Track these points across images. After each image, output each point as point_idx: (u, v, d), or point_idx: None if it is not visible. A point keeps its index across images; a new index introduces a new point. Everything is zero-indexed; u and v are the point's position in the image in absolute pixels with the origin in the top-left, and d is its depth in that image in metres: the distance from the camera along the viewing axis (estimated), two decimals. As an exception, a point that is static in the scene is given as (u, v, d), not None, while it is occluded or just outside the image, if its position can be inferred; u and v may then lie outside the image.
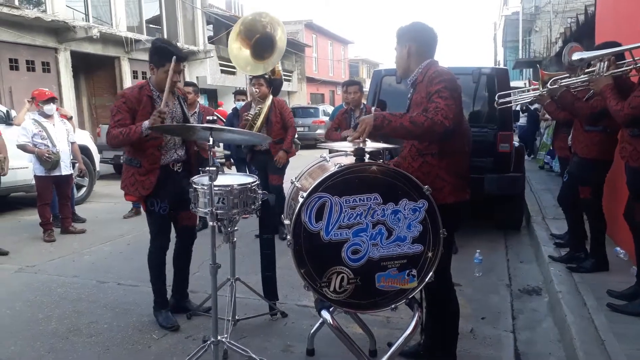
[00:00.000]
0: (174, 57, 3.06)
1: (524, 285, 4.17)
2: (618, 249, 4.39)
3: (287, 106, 5.72)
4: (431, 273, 2.32)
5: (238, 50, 4.31)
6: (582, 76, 3.58)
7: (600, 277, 3.83)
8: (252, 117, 5.31)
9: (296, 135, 19.22)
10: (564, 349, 3.03)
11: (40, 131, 5.81)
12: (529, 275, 4.43)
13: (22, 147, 5.74)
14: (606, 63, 3.24)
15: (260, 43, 4.25)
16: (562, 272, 4.01)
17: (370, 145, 2.36)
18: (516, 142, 5.82)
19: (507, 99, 4.46)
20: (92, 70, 16.09)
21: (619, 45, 3.38)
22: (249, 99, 6.01)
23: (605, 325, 3.04)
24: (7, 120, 6.85)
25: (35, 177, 5.86)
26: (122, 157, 3.38)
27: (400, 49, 2.50)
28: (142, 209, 6.88)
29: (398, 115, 2.27)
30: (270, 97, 5.41)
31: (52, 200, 6.09)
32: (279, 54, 4.26)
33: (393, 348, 2.37)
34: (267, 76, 5.33)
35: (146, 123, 3.04)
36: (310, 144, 17.76)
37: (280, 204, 3.51)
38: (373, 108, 5.33)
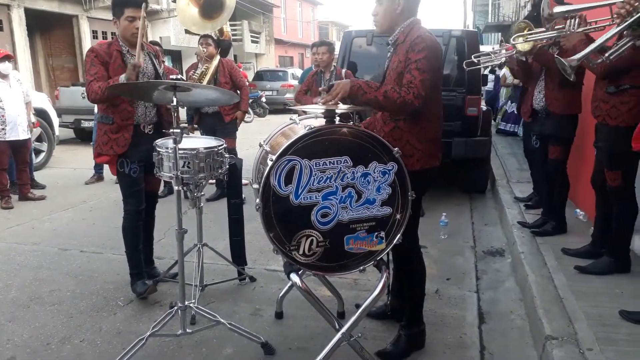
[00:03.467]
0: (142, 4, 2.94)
1: (488, 247, 4.27)
2: (578, 210, 4.53)
3: (237, 67, 5.74)
4: (399, 235, 2.33)
5: (186, 6, 4.13)
6: (551, 32, 3.57)
7: (561, 238, 3.96)
8: (199, 76, 5.28)
9: (264, 100, 19.07)
10: (525, 307, 3.14)
11: None
12: (493, 237, 4.54)
13: None
14: (577, 20, 3.22)
15: (209, 2, 4.08)
16: (525, 233, 4.13)
17: (341, 108, 2.31)
18: (483, 106, 5.87)
19: (481, 59, 4.41)
20: (49, 29, 15.26)
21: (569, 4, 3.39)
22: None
23: (564, 284, 3.15)
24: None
25: None
26: (94, 115, 3.22)
27: (391, 2, 2.36)
28: (103, 175, 6.78)
29: (374, 87, 2.24)
30: (218, 57, 5.39)
31: (10, 165, 5.84)
32: (228, 13, 4.13)
33: (361, 309, 2.39)
34: (215, 37, 5.31)
35: (122, 77, 2.91)
36: (279, 108, 17.51)
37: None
38: (343, 70, 5.25)
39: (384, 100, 2.20)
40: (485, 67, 5.24)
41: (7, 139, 5.57)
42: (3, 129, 5.52)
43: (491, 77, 11.76)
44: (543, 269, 3.41)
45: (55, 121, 8.02)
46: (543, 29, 3.70)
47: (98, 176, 6.84)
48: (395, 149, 2.24)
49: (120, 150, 3.06)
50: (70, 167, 7.98)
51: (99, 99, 2.99)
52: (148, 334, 2.50)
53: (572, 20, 3.22)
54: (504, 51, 4.29)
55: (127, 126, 3.06)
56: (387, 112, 2.40)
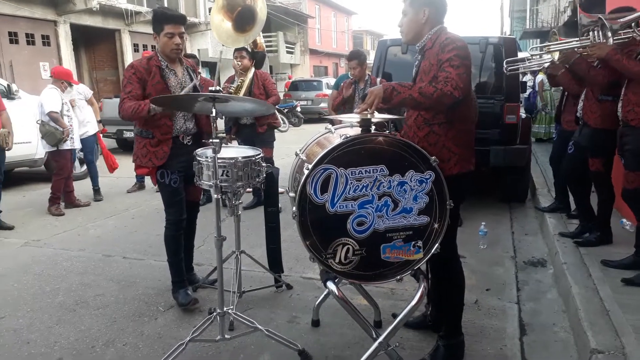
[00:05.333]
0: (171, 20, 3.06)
1: (528, 257, 4.16)
2: (624, 220, 4.38)
3: (270, 77, 5.83)
4: (437, 245, 2.30)
5: (220, 22, 4.24)
6: (573, 41, 3.53)
7: (606, 249, 3.83)
8: (235, 90, 5.40)
9: (299, 109, 19.31)
10: (569, 320, 3.04)
11: (65, 103, 5.88)
12: (533, 247, 4.43)
13: (55, 118, 5.67)
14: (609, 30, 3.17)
15: (242, 16, 4.18)
16: (568, 244, 4.01)
17: (378, 117, 2.31)
18: (522, 113, 5.75)
19: (517, 65, 4.37)
20: (93, 43, 15.93)
21: (635, 10, 3.29)
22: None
23: (610, 296, 3.04)
24: (9, 94, 6.79)
25: (59, 151, 5.79)
26: (133, 129, 3.32)
27: (415, 12, 2.39)
28: (145, 184, 6.99)
29: (407, 86, 2.23)
30: (253, 69, 5.48)
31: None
32: (260, 25, 4.23)
33: (398, 319, 2.37)
34: (249, 49, 5.40)
35: (152, 107, 3.00)
36: (314, 117, 17.62)
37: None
38: (378, 79, 5.25)
39: (419, 97, 2.18)
40: (524, 74, 5.14)
41: (75, 147, 5.99)
42: (72, 137, 5.88)
43: (530, 83, 11.46)
44: (587, 280, 3.30)
45: (99, 131, 8.33)
46: (572, 39, 3.66)
47: (140, 185, 7.06)
48: (433, 157, 2.22)
49: (159, 162, 3.14)
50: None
51: (128, 117, 3.08)
52: (188, 339, 2.55)
53: (596, 32, 3.17)
54: (537, 57, 4.25)
55: (166, 140, 3.15)
56: (422, 114, 2.38)
